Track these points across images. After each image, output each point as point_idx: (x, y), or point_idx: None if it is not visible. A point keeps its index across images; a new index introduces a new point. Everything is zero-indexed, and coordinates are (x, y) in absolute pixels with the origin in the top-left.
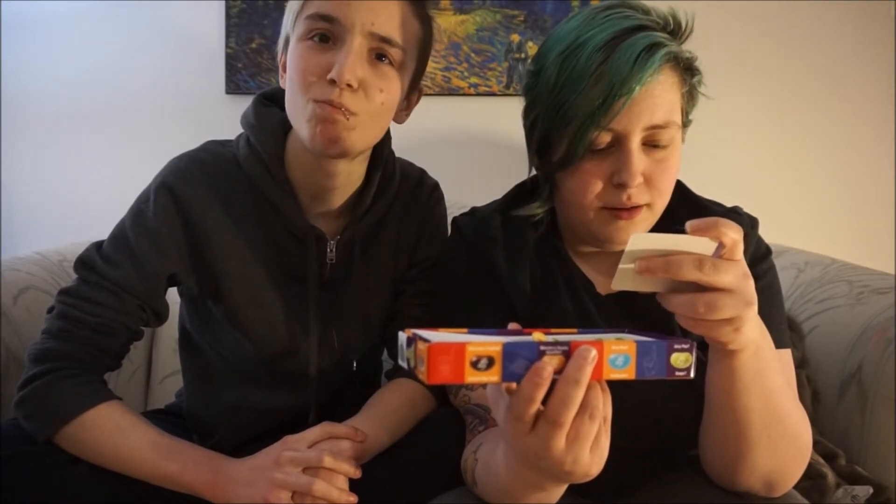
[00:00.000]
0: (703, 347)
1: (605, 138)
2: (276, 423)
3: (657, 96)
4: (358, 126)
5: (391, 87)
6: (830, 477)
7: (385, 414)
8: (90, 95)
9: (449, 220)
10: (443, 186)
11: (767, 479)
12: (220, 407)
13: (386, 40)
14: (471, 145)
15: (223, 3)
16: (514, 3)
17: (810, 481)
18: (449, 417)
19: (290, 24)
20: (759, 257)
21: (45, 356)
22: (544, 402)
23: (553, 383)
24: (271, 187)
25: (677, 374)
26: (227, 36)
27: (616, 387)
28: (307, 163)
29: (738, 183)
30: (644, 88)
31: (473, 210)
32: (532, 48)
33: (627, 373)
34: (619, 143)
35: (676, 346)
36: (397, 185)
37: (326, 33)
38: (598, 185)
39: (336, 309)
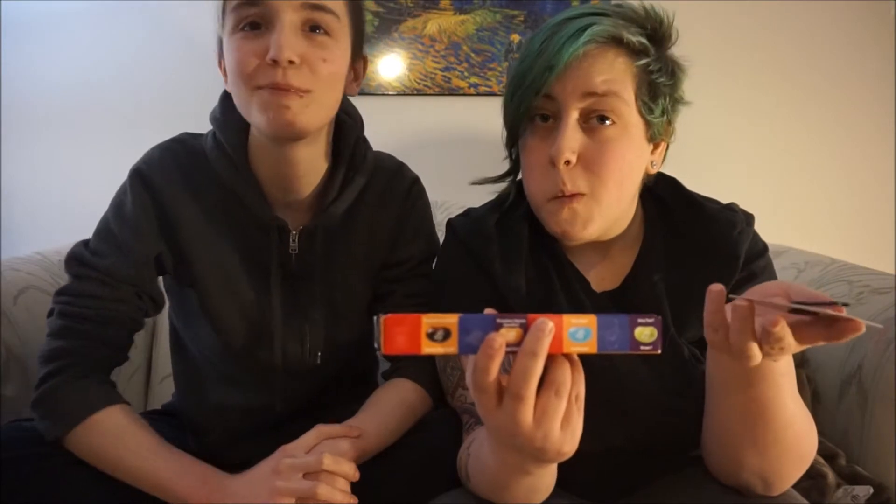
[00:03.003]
0: (701, 345)
1: (543, 105)
2: (266, 422)
3: (591, 66)
4: (312, 102)
5: (333, 55)
6: (831, 477)
7: (383, 414)
8: (90, 96)
9: (445, 221)
10: (442, 187)
11: (762, 477)
12: (208, 407)
13: (318, 7)
14: (471, 145)
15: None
16: (514, 3)
17: (810, 481)
18: (446, 418)
19: (220, 24)
20: (756, 254)
21: (52, 356)
22: None
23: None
24: (235, 180)
25: (643, 348)
26: None
27: (617, 387)
28: (268, 153)
29: (738, 182)
30: (577, 61)
31: (468, 211)
32: None
33: (589, 346)
34: (558, 118)
35: (640, 320)
36: (368, 175)
37: (256, 19)
38: (540, 164)
39: (301, 301)
